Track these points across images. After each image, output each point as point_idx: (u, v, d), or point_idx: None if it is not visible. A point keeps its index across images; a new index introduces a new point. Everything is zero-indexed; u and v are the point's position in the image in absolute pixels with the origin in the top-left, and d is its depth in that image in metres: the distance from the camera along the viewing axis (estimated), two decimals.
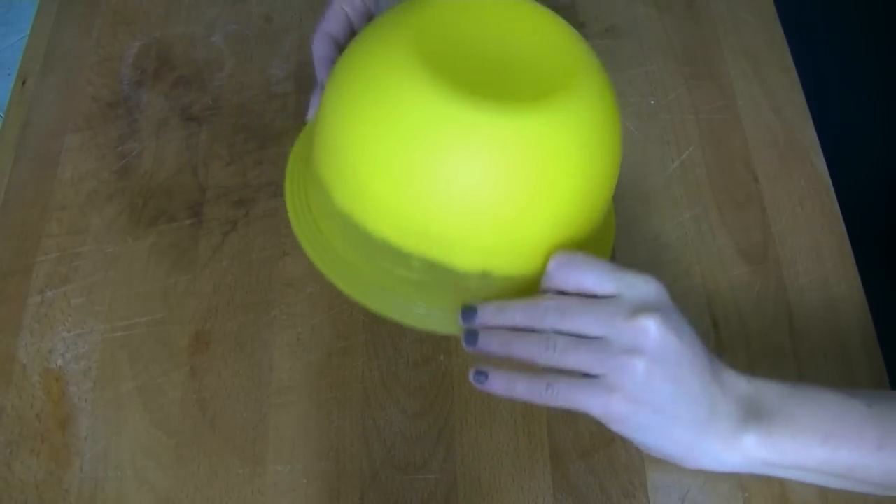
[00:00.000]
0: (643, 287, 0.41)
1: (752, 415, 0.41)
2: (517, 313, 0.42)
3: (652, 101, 0.65)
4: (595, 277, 0.41)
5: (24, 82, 0.69)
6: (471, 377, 0.43)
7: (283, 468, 0.52)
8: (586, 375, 0.41)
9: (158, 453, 0.52)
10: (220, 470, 0.52)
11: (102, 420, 0.54)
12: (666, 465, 0.51)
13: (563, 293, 0.42)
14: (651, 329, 0.40)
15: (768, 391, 0.42)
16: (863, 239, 0.60)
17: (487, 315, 0.43)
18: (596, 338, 0.41)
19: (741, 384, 0.42)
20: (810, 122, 0.64)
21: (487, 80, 0.41)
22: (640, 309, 0.40)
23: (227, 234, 0.60)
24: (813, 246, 0.59)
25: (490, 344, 0.43)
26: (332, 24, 0.52)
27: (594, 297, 0.42)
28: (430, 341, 0.55)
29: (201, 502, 0.51)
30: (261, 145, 0.64)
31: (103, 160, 0.64)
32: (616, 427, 0.41)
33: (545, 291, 0.43)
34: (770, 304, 0.57)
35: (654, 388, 0.40)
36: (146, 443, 0.53)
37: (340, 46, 0.52)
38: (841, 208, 0.60)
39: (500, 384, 0.42)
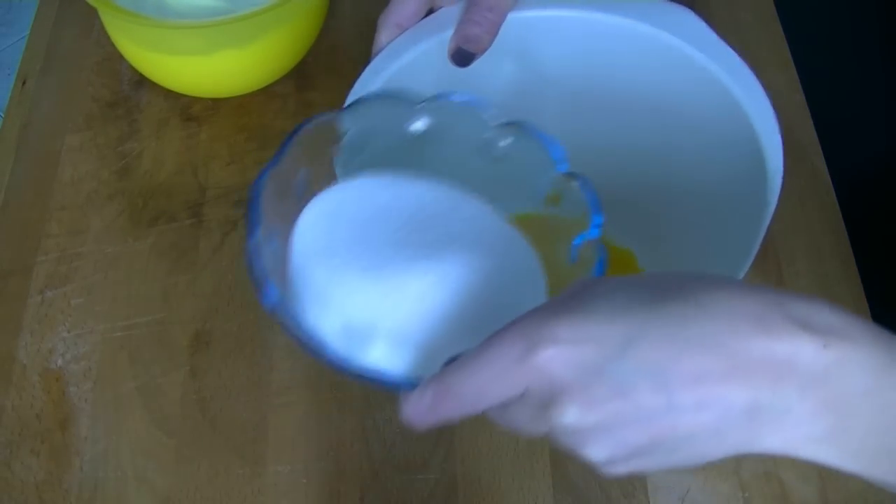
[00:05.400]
0: (535, 375, 0.30)
1: (827, 410, 0.28)
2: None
3: None
4: (497, 389, 0.31)
5: (24, 82, 0.69)
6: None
7: (283, 468, 0.52)
8: None
9: (158, 453, 0.52)
10: (220, 470, 0.52)
11: (102, 420, 0.54)
12: None
13: None
14: (571, 423, 0.30)
15: (851, 373, 0.28)
16: (863, 239, 0.60)
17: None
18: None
19: (807, 357, 0.27)
20: (810, 122, 0.64)
21: None
22: (545, 405, 0.30)
23: (227, 234, 0.60)
24: (813, 246, 0.59)
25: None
26: (400, 14, 0.49)
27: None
28: None
29: (201, 502, 0.51)
30: (261, 145, 0.64)
31: (103, 160, 0.64)
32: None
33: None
34: None
35: (636, 461, 0.30)
36: (146, 443, 0.53)
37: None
38: (841, 208, 0.60)
39: None
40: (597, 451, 0.30)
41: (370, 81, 0.48)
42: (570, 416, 0.29)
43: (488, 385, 0.31)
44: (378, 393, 0.54)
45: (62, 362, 0.56)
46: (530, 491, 0.51)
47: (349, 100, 0.47)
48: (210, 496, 0.51)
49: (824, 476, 0.51)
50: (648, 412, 0.28)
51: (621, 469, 0.30)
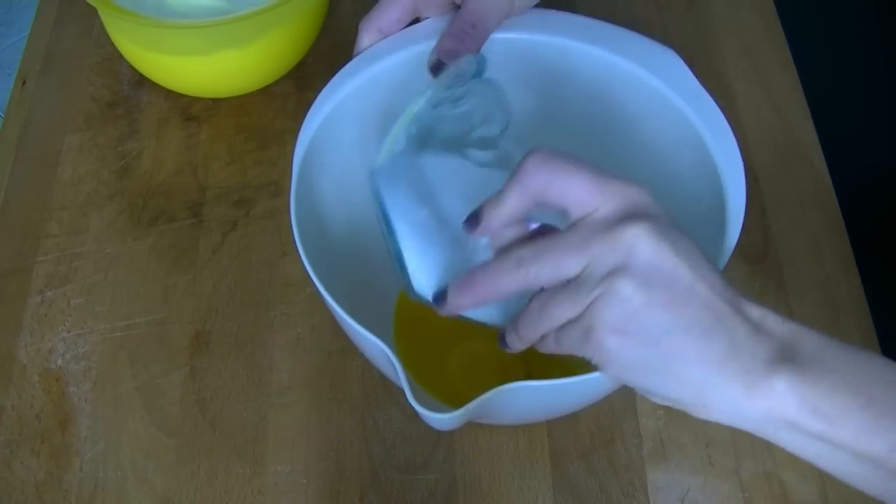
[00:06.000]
0: (627, 193, 0.35)
1: (785, 358, 0.34)
2: (487, 278, 0.38)
3: None
4: (580, 187, 0.35)
5: (24, 82, 0.69)
6: (499, 343, 0.40)
7: (283, 468, 0.52)
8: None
9: (158, 453, 0.52)
10: (220, 470, 0.52)
11: (102, 420, 0.54)
12: (666, 464, 0.51)
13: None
14: (638, 241, 0.34)
15: (806, 337, 0.35)
16: (863, 239, 0.60)
17: (457, 294, 0.39)
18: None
19: (772, 322, 0.35)
20: (810, 122, 0.64)
21: None
22: (624, 218, 0.34)
23: (227, 234, 0.60)
24: (813, 246, 0.59)
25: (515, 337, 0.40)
26: (383, 19, 0.49)
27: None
28: None
29: (201, 502, 0.51)
30: (261, 145, 0.64)
31: (103, 160, 0.64)
32: (610, 370, 0.36)
33: (513, 191, 0.37)
34: (770, 304, 0.56)
35: (646, 316, 0.34)
36: (146, 443, 0.53)
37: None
38: (841, 208, 0.60)
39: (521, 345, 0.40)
40: (611, 314, 0.34)
41: (343, 83, 0.49)
42: (624, 289, 0.33)
43: (581, 244, 0.35)
44: (378, 393, 0.54)
45: (62, 362, 0.56)
46: (530, 491, 0.51)
47: (317, 103, 0.49)
48: (210, 496, 0.51)
49: (824, 476, 0.50)
50: (683, 288, 0.34)
51: (614, 339, 0.34)
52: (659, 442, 0.52)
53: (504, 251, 0.38)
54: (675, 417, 0.53)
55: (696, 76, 0.48)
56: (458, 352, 0.54)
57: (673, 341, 0.34)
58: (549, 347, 0.38)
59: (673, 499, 0.50)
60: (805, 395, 0.34)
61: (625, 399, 0.53)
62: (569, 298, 0.35)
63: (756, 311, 0.35)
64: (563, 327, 0.36)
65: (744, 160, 0.45)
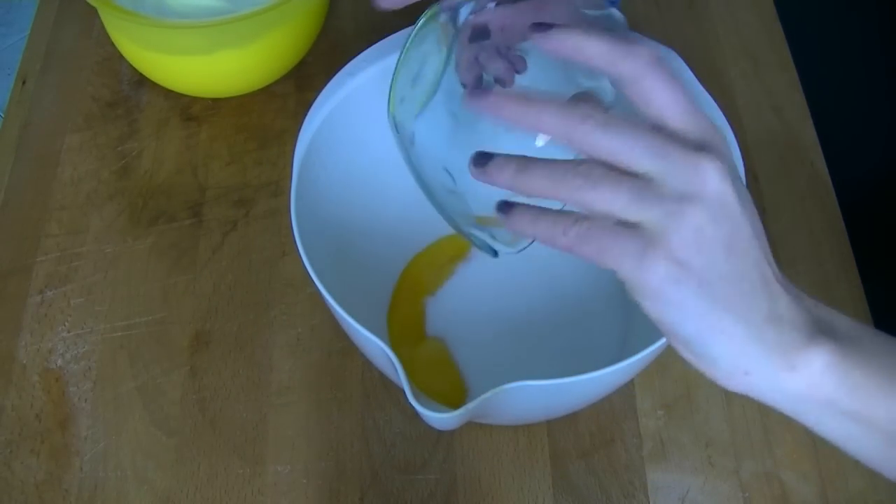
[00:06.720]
0: (711, 129, 0.33)
1: (824, 332, 0.34)
2: (537, 104, 0.34)
3: None
4: (673, 97, 0.33)
5: (24, 82, 0.69)
6: (495, 209, 0.36)
7: (283, 468, 0.52)
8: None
9: (158, 453, 0.52)
10: (220, 470, 0.52)
11: (102, 420, 0.54)
12: (666, 464, 0.51)
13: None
14: (712, 174, 0.32)
15: (839, 317, 0.35)
16: (863, 239, 0.60)
17: (494, 99, 0.35)
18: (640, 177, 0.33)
19: (806, 298, 0.35)
20: (810, 122, 0.64)
21: None
22: (705, 147, 0.32)
23: (227, 234, 0.60)
24: (813, 246, 0.59)
25: (503, 171, 0.35)
26: None
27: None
28: None
29: (201, 502, 0.51)
30: (261, 145, 0.64)
31: (103, 160, 0.64)
32: (649, 301, 0.33)
33: (618, 44, 0.33)
34: None
35: (707, 252, 0.32)
36: (146, 443, 0.53)
37: None
38: (841, 208, 0.60)
39: (524, 220, 0.35)
40: (678, 239, 0.32)
41: (343, 83, 0.49)
42: (696, 218, 0.32)
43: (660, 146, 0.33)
44: (378, 393, 0.54)
45: (62, 362, 0.56)
46: (530, 491, 0.51)
47: (317, 103, 0.48)
48: (210, 496, 0.51)
49: (824, 476, 0.51)
50: (743, 238, 0.33)
51: (670, 269, 0.32)
52: (659, 442, 0.52)
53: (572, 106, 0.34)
54: (675, 417, 0.53)
55: (696, 76, 0.48)
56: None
57: (725, 288, 0.32)
58: (561, 236, 0.34)
59: (673, 499, 0.50)
60: (844, 372, 0.33)
61: (625, 399, 0.53)
62: (628, 188, 0.32)
63: (790, 285, 0.34)
64: (601, 223, 0.33)
65: (744, 160, 0.45)
